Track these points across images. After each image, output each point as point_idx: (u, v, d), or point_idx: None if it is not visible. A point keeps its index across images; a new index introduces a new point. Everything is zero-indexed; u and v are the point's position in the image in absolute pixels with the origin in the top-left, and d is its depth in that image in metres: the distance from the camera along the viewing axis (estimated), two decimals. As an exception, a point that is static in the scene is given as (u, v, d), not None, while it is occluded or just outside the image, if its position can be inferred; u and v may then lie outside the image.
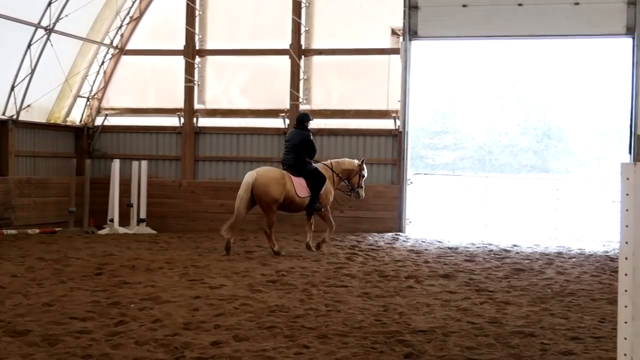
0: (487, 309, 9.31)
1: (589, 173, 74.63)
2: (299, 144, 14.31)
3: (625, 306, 4.57)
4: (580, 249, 15.86)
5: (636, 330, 4.52)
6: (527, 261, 13.92)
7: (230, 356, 6.89)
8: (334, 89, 19.15)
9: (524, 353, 7.21)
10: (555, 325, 8.49)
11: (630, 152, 17.55)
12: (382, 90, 18.66)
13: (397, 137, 18.47)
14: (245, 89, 19.59)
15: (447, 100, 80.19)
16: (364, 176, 15.05)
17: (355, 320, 8.47)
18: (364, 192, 15.18)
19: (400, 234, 17.95)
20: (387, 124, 18.58)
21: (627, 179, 4.51)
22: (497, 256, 14.59)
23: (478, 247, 15.87)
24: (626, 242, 4.55)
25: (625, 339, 4.58)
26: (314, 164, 14.54)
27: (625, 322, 4.56)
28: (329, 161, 15.13)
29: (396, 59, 18.44)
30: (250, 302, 9.38)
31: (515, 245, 16.23)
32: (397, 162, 18.46)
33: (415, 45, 18.88)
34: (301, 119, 14.66)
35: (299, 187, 14.12)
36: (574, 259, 14.33)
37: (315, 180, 14.29)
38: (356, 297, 9.95)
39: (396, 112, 18.45)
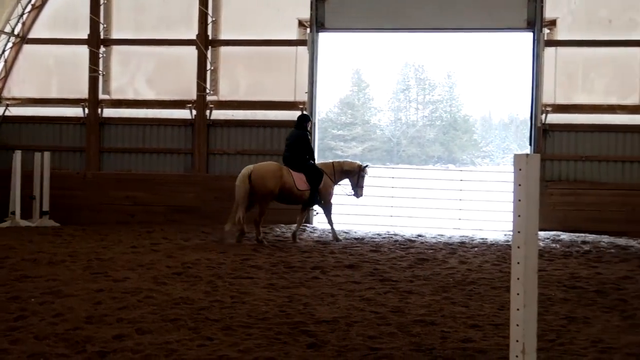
0: (391, 299, 9.45)
1: (493, 164, 76.21)
2: (295, 142, 15.23)
3: (518, 294, 4.70)
4: (483, 239, 16.21)
5: (527, 317, 4.65)
6: (431, 251, 14.16)
7: (132, 349, 6.83)
8: (241, 80, 19.08)
9: (425, 341, 7.36)
10: (456, 313, 8.67)
11: (530, 144, 18.03)
12: (289, 82, 18.69)
13: (304, 129, 18.52)
14: (152, 80, 19.35)
15: (356, 91, 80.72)
16: (363, 177, 15.95)
17: (260, 311, 8.50)
18: (363, 192, 16.05)
19: (308, 225, 18.04)
20: (294, 115, 18.50)
21: (520, 169, 4.64)
22: (402, 246, 14.80)
23: (384, 238, 16.07)
24: (518, 232, 4.68)
25: (518, 325, 4.71)
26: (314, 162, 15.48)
27: (518, 309, 4.69)
28: (330, 161, 16.16)
29: (303, 50, 18.48)
30: (154, 295, 9.30)
31: (420, 236, 16.49)
32: (305, 153, 18.50)
33: (323, 36, 18.97)
34: (300, 120, 15.65)
35: (299, 180, 15.01)
36: (476, 249, 14.64)
37: (313, 175, 15.18)
38: (261, 289, 9.98)
39: (303, 103, 18.52)
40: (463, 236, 16.62)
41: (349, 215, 18.52)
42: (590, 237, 16.55)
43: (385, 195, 19.46)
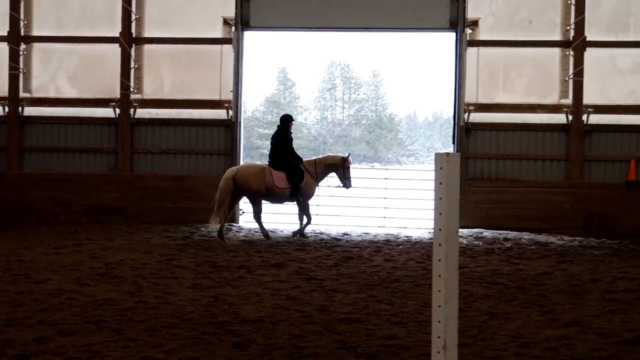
0: (316, 297, 9.49)
1: (418, 163, 77.01)
2: (276, 142, 16.01)
3: (439, 290, 4.76)
4: (407, 237, 16.39)
5: (449, 313, 4.71)
6: (357, 249, 14.26)
7: (54, 352, 6.73)
8: (166, 78, 18.90)
9: (350, 339, 7.41)
10: (381, 310, 8.76)
11: (453, 142, 18.30)
12: (214, 80, 18.60)
13: (230, 128, 18.47)
14: (74, 78, 19.02)
15: (282, 90, 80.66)
16: (348, 168, 16.41)
17: (185, 311, 8.45)
18: (351, 182, 16.53)
19: (234, 224, 17.98)
20: (219, 114, 18.54)
21: (441, 168, 4.69)
22: (328, 245, 14.87)
23: (310, 236, 16.10)
24: (440, 229, 4.73)
25: (439, 321, 4.77)
26: (300, 160, 16.08)
27: (439, 306, 4.75)
28: (313, 158, 16.65)
29: (229, 49, 18.41)
30: (77, 296, 9.17)
31: (345, 234, 16.59)
32: (231, 152, 18.46)
33: (248, 35, 18.93)
34: (282, 120, 16.40)
35: (278, 179, 15.64)
36: (400, 247, 14.80)
37: (293, 174, 15.83)
38: (187, 289, 9.92)
39: (229, 102, 18.44)
40: (388, 234, 16.78)
41: (276, 214, 18.51)
42: (511, 234, 16.88)
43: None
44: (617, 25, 18.02)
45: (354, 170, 17.07)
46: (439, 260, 4.71)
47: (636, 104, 17.94)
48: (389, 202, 18.95)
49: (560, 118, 18.03)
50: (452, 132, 18.58)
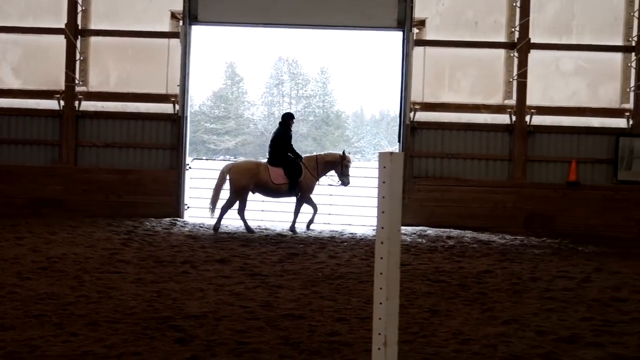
0: (260, 293, 9.52)
1: (364, 160, 77.33)
2: (276, 139, 16.50)
3: (381, 288, 4.81)
4: (352, 234, 16.48)
5: (390, 310, 4.77)
6: (301, 245, 14.31)
7: (-7, 346, 6.66)
8: (112, 71, 18.73)
9: (293, 335, 7.46)
10: (324, 307, 8.82)
11: (399, 141, 18.44)
12: (161, 74, 18.48)
13: (176, 122, 18.38)
14: (18, 69, 18.75)
15: (230, 85, 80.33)
16: (347, 166, 16.78)
17: (127, 306, 8.42)
18: (349, 179, 16.87)
19: (179, 219, 17.91)
20: (166, 108, 18.43)
21: (384, 167, 4.75)
22: (273, 241, 14.89)
23: (255, 232, 16.11)
24: (382, 227, 4.78)
25: (380, 319, 4.82)
26: (298, 157, 16.51)
27: (380, 303, 4.80)
28: (314, 154, 17.14)
29: (176, 43, 18.31)
30: (18, 290, 9.08)
31: (291, 231, 16.62)
32: (176, 146, 18.37)
33: (196, 29, 18.85)
34: (283, 118, 16.87)
35: (275, 175, 16.18)
36: (345, 243, 14.87)
37: (291, 170, 16.29)
38: (129, 284, 9.87)
39: (175, 96, 18.35)
40: (333, 231, 16.85)
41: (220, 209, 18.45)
42: (455, 232, 17.08)
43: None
44: (560, 28, 18.33)
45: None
46: (381, 258, 4.77)
47: (578, 106, 18.27)
48: (334, 199, 19.02)
49: (504, 118, 18.29)
50: (398, 131, 18.70)
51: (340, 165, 16.78)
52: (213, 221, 16.42)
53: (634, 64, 18.15)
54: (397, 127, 18.90)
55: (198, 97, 77.75)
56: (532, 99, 18.16)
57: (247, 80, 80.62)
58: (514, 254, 14.19)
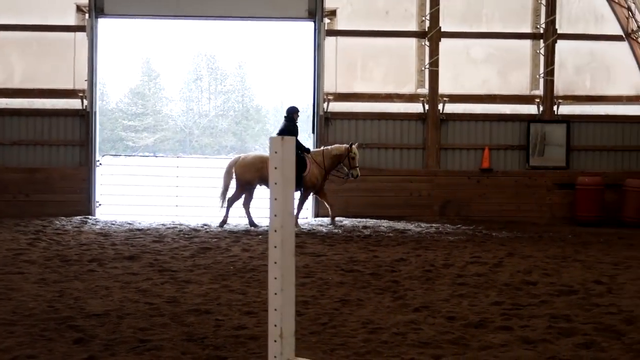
0: (167, 289, 9.28)
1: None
2: (281, 133, 15.93)
3: (275, 278, 4.66)
4: (268, 227, 16.26)
5: (285, 301, 4.62)
6: (215, 240, 14.08)
7: None
8: (16, 66, 18.14)
9: (197, 331, 7.26)
10: (233, 301, 8.64)
11: (313, 132, 18.32)
12: (68, 69, 17.96)
13: (84, 118, 17.89)
14: None
15: (147, 81, 79.29)
16: (353, 158, 16.33)
17: (27, 307, 8.09)
18: (358, 172, 16.42)
19: (90, 217, 17.46)
20: (74, 103, 17.93)
21: (276, 152, 4.59)
22: (186, 236, 14.60)
23: (168, 228, 15.78)
24: (275, 215, 4.63)
25: (276, 310, 4.67)
26: (305, 150, 16.34)
27: (275, 294, 4.65)
28: (321, 148, 16.73)
29: (83, 36, 17.82)
30: None
31: (205, 225, 16.33)
32: (86, 143, 17.88)
33: (105, 23, 18.40)
34: (288, 112, 16.45)
35: None
36: (260, 236, 14.70)
37: (296, 164, 15.22)
38: (32, 284, 9.51)
39: (83, 91, 17.86)
40: (247, 224, 16.63)
41: (133, 206, 18.11)
42: (371, 221, 17.05)
43: (171, 185, 19.18)
44: (470, 17, 18.46)
45: (221, 161, 16.94)
46: (275, 246, 4.61)
47: (489, 94, 18.44)
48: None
49: (417, 107, 18.35)
50: (312, 123, 18.57)
51: (347, 157, 16.40)
52: (141, 218, 16.07)
53: (542, 51, 18.39)
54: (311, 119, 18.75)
55: (115, 94, 76.54)
56: (444, 88, 18.25)
57: (165, 76, 79.59)
58: (429, 242, 14.23)
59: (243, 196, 16.35)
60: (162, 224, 16.39)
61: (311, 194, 16.82)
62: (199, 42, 77.74)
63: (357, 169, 16.47)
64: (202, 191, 19.06)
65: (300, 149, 16.27)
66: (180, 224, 16.44)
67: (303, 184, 16.25)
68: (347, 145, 16.54)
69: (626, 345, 6.94)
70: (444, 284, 9.96)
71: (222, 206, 16.32)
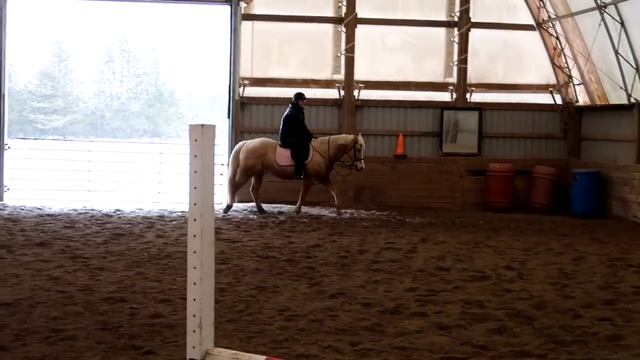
0: (80, 277, 9.10)
1: (199, 137, 76.41)
2: (284, 119, 16.13)
3: (195, 267, 4.63)
4: (183, 212, 16.12)
5: (204, 291, 4.59)
6: (128, 226, 13.86)
7: None
8: None
9: (112, 319, 7.14)
10: (148, 288, 8.53)
11: (229, 117, 18.20)
12: (-25, 50, 17.42)
13: (-8, 100, 17.39)
14: None
15: (57, 62, 77.54)
16: (359, 150, 15.92)
17: None
18: (362, 164, 16.01)
19: (-2, 202, 17.00)
20: (-19, 85, 17.40)
21: (195, 140, 4.54)
22: (99, 222, 14.33)
23: (80, 214, 15.46)
24: (195, 204, 4.59)
25: (195, 299, 4.64)
26: (313, 138, 16.15)
27: (195, 283, 4.63)
28: (327, 137, 16.22)
29: (-10, 16, 17.29)
30: None
31: (118, 210, 16.04)
32: (-6, 126, 17.40)
33: (13, 2, 17.88)
34: (293, 97, 16.30)
35: (280, 156, 15.92)
36: (174, 222, 14.54)
37: (298, 151, 15.87)
38: (-63, 272, 9.20)
39: (-9, 73, 17.35)
40: (162, 209, 16.44)
41: (43, 191, 17.70)
42: (285, 207, 17.05)
43: (83, 169, 18.80)
44: (386, 4, 18.58)
45: (133, 145, 16.62)
46: (194, 236, 4.57)
47: (403, 81, 18.61)
48: (165, 176, 18.59)
49: (333, 93, 18.41)
50: (227, 107, 18.42)
51: (352, 148, 15.99)
52: (51, 203, 15.68)
53: (456, 39, 18.63)
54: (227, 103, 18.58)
55: (23, 76, 74.57)
56: (360, 74, 18.35)
57: (76, 57, 77.87)
58: (344, 228, 14.31)
59: (253, 181, 16.32)
60: (74, 210, 16.03)
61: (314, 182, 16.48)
62: (112, 24, 76.29)
63: (362, 161, 16.08)
64: (114, 176, 18.74)
65: (303, 135, 16.03)
66: (93, 210, 16.12)
67: (305, 172, 16.01)
68: (354, 136, 16.15)
69: (537, 330, 7.11)
70: (360, 270, 10.03)
71: (230, 197, 16.26)
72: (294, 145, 15.99)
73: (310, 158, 16.01)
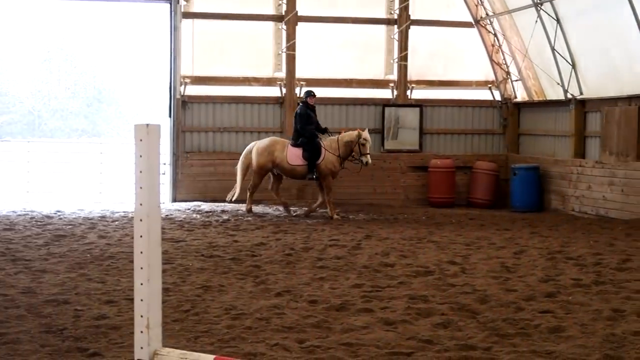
0: (22, 279, 8.97)
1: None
2: (296, 118, 15.88)
3: (141, 268, 4.61)
4: (125, 212, 15.98)
5: (151, 291, 4.57)
6: (70, 227, 13.68)
7: None
8: None
9: (56, 322, 7.07)
10: (92, 290, 8.45)
11: (170, 116, 18.07)
12: None
13: None
14: None
15: (-8, 61, 76.08)
16: (363, 145, 15.70)
17: None
18: (369, 159, 15.74)
19: None
20: None
21: (141, 140, 4.51)
22: (39, 223, 14.12)
23: (19, 215, 15.21)
24: (141, 204, 4.57)
25: (142, 300, 4.61)
26: (325, 137, 15.97)
27: (142, 284, 4.60)
28: (335, 137, 16.01)
29: None
30: None
31: (58, 211, 15.82)
32: None
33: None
34: (303, 96, 16.33)
35: (292, 156, 15.71)
36: (117, 222, 14.41)
37: (308, 151, 15.66)
38: None
39: None
40: (104, 210, 16.26)
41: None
42: (229, 206, 16.99)
43: (21, 170, 18.51)
44: (327, 1, 18.63)
45: (73, 145, 16.39)
46: (141, 236, 4.55)
47: (345, 78, 18.70)
48: (106, 176, 18.41)
49: (274, 91, 18.42)
50: (168, 106, 18.28)
51: (357, 144, 15.79)
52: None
53: (396, 37, 18.78)
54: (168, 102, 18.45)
55: (-43, 75, 73.09)
56: (301, 71, 18.37)
57: (11, 56, 76.60)
58: (288, 225, 14.34)
59: (271, 181, 16.29)
60: (13, 211, 15.77)
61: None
62: (49, 22, 75.19)
63: (368, 155, 15.89)
64: (54, 176, 18.49)
65: (312, 133, 15.79)
66: (32, 211, 15.87)
67: (318, 172, 15.79)
68: (358, 131, 16.00)
69: (481, 323, 7.21)
70: (305, 267, 10.06)
71: (232, 196, 16.13)
72: (306, 144, 15.83)
73: (322, 157, 15.85)
